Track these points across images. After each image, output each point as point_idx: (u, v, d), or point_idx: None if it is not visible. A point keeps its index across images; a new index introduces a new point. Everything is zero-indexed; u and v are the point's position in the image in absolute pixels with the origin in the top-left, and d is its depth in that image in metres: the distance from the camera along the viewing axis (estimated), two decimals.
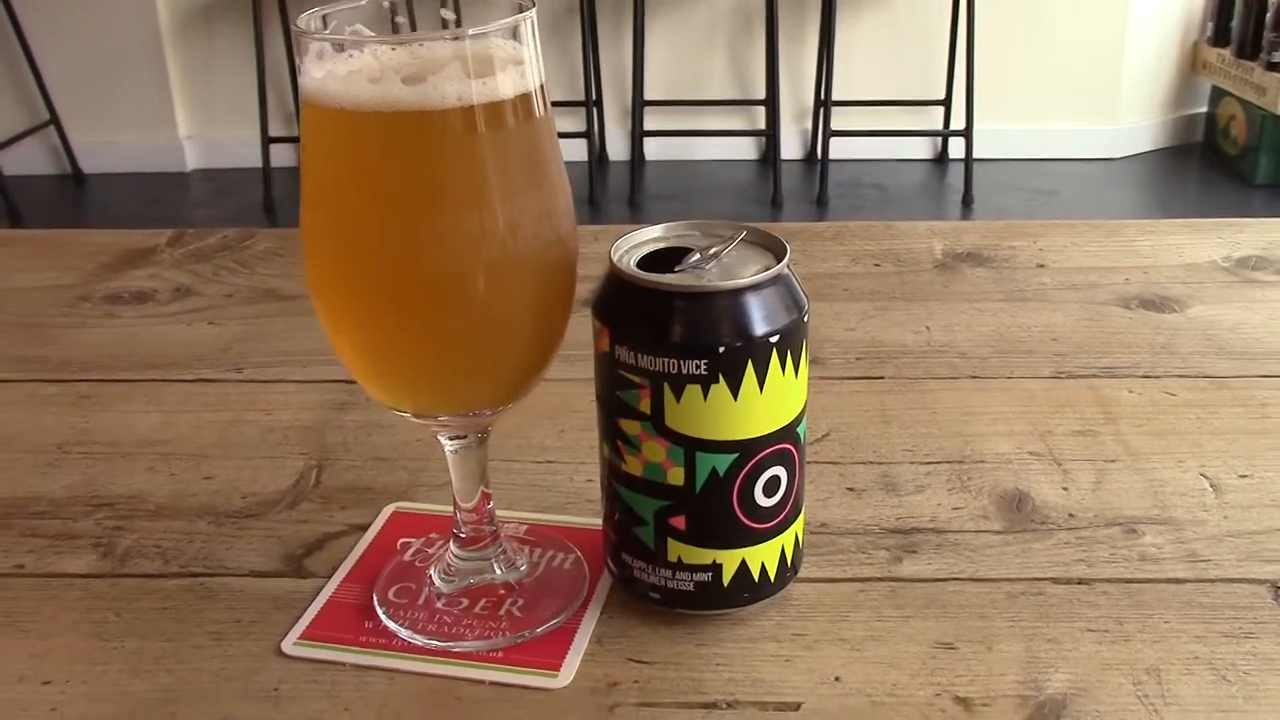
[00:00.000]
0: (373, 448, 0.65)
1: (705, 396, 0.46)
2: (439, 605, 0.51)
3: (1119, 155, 3.90)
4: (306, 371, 0.73)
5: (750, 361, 0.46)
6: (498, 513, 0.54)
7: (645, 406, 0.47)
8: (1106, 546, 0.55)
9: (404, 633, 0.50)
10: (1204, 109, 3.95)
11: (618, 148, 3.91)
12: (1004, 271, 0.84)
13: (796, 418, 0.48)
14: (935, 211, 3.59)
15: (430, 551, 0.55)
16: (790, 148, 3.88)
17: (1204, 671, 0.47)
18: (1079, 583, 0.52)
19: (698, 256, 0.48)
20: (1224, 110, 3.79)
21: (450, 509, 0.53)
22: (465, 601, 0.51)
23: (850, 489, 0.60)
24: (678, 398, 0.46)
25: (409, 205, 0.44)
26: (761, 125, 3.73)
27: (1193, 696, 0.46)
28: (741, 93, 3.89)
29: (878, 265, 0.86)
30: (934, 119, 3.79)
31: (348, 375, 0.50)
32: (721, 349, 0.45)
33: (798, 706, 0.46)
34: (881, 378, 0.70)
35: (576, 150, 3.62)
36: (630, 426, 0.48)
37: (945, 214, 3.57)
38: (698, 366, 0.45)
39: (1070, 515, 0.57)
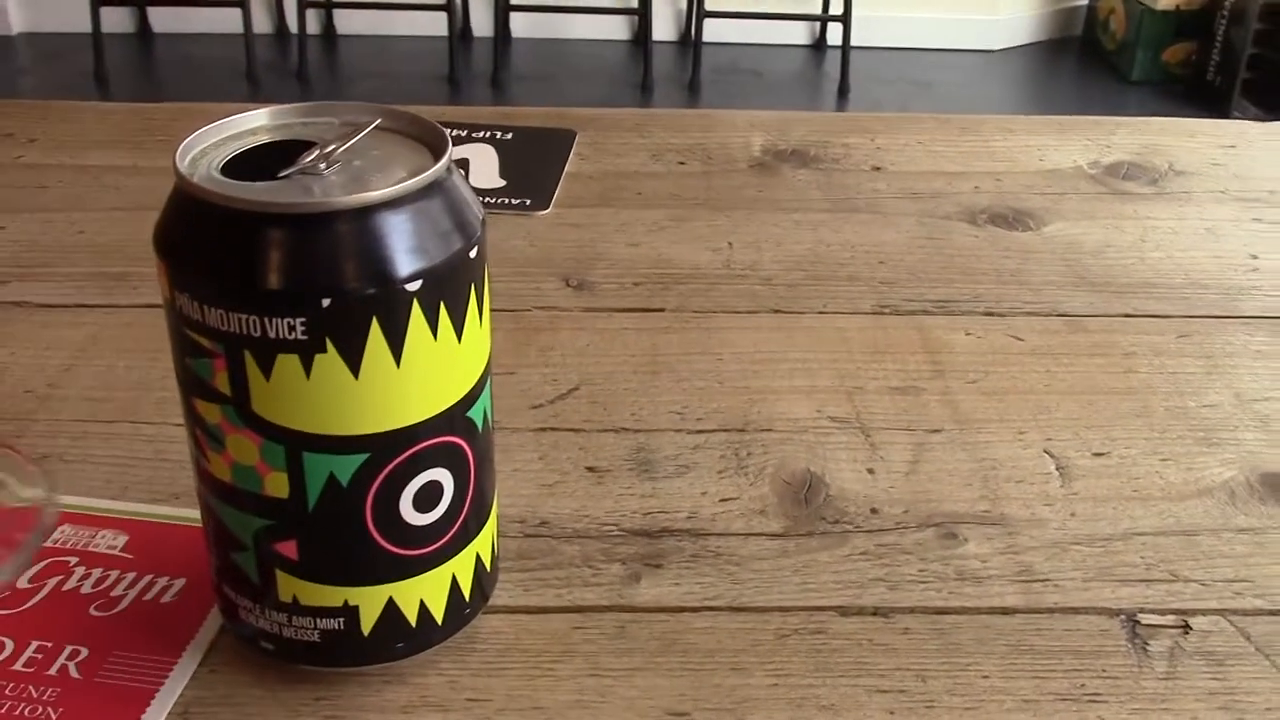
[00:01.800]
0: None
1: (308, 372, 0.30)
2: None
3: (997, 47, 3.78)
4: None
5: (376, 320, 0.30)
6: (98, 504, 0.38)
7: (223, 384, 0.31)
8: (915, 559, 0.41)
9: None
10: (1084, 1, 3.83)
11: (482, 23, 3.67)
12: (832, 175, 0.69)
13: (466, 397, 0.33)
14: (811, 100, 3.44)
15: None
16: (663, 29, 3.68)
17: None
18: (874, 613, 0.38)
19: (314, 155, 0.32)
20: (1104, 3, 3.68)
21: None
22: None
23: (591, 469, 0.45)
24: (266, 373, 0.30)
25: None
26: (634, 3, 3.51)
27: None
28: None
29: (682, 163, 0.70)
30: (813, 3, 3.62)
31: None
32: (327, 301, 0.29)
33: None
34: (661, 310, 0.55)
35: (436, 25, 3.38)
36: (208, 411, 0.32)
37: (821, 103, 3.43)
38: (292, 328, 0.30)
39: (873, 510, 0.43)
